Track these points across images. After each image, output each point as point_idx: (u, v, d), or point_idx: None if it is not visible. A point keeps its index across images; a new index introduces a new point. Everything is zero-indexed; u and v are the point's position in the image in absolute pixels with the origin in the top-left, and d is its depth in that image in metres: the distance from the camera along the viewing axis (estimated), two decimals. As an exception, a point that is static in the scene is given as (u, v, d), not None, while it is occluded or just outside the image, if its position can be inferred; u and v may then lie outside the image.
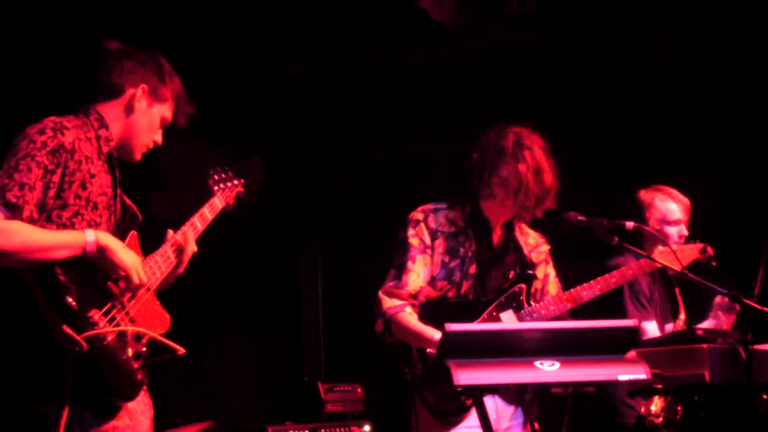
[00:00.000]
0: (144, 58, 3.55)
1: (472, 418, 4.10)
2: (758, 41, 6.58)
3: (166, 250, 3.57)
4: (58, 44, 5.49)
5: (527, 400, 4.28)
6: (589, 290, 4.33)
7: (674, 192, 5.28)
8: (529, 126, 4.32)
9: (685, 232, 5.22)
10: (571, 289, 4.33)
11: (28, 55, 5.51)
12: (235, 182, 4.04)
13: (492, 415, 4.08)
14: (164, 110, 3.58)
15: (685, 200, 5.27)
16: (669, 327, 5.19)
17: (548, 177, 4.22)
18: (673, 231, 5.18)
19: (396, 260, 4.30)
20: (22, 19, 5.45)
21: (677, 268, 4.37)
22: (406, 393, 4.20)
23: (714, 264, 4.75)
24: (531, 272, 4.33)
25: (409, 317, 4.18)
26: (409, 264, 4.25)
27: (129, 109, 3.50)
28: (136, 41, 3.60)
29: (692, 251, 4.77)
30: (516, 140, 4.24)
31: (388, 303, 4.21)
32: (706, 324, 4.96)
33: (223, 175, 4.01)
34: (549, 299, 4.31)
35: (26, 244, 3.13)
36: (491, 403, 4.11)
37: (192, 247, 3.62)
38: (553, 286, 4.43)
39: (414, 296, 4.23)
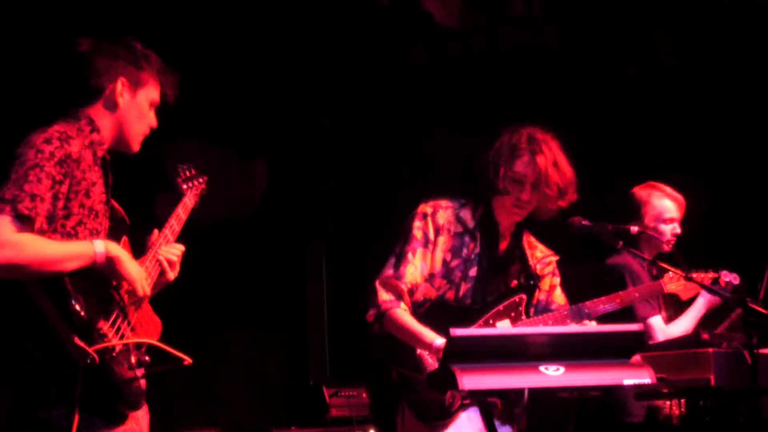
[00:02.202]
0: (115, 50, 3.49)
1: (458, 426, 4.09)
2: (762, 41, 6.58)
3: (155, 255, 3.54)
4: (49, 50, 5.47)
5: (516, 414, 4.24)
6: (592, 307, 4.31)
7: (669, 189, 5.29)
8: (542, 126, 4.33)
9: (678, 230, 5.22)
10: (572, 306, 4.30)
11: (24, 60, 5.51)
12: (200, 180, 3.97)
13: (479, 425, 4.05)
14: (150, 93, 3.53)
15: (680, 198, 5.28)
16: None
17: (566, 168, 4.21)
18: (667, 229, 5.19)
19: (397, 249, 4.27)
20: (15, 22, 5.45)
21: (683, 296, 4.39)
22: (393, 394, 4.19)
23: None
24: (533, 283, 4.29)
25: (404, 314, 4.13)
26: (409, 255, 4.21)
27: (113, 106, 3.46)
28: (104, 34, 3.55)
29: (704, 280, 4.72)
30: (529, 137, 4.23)
31: (384, 296, 4.17)
32: (698, 303, 5.00)
33: (188, 173, 3.94)
34: (549, 315, 4.26)
35: (39, 257, 3.12)
36: (477, 416, 4.03)
37: (171, 255, 3.56)
38: (559, 298, 4.39)
39: (411, 291, 4.19)
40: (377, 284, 4.22)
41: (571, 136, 4.37)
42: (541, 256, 4.40)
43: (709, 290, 4.57)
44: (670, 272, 4.60)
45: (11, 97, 5.42)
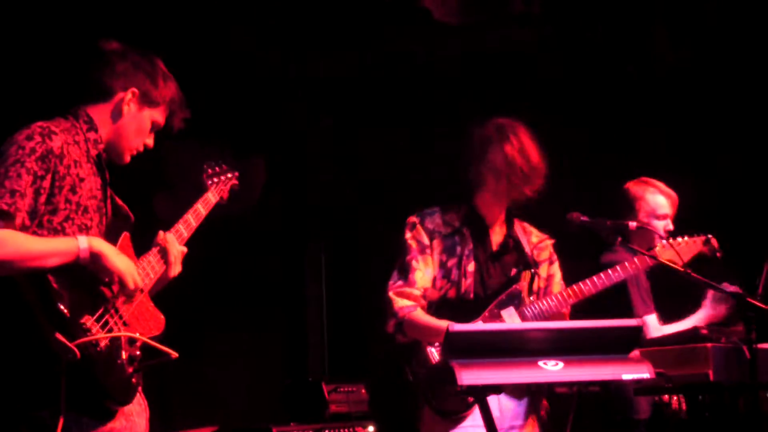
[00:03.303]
0: (138, 61, 3.51)
1: (476, 417, 4.11)
2: (760, 38, 6.58)
3: (159, 251, 3.54)
4: (54, 44, 5.48)
5: (535, 394, 4.28)
6: (591, 285, 4.34)
7: (663, 186, 5.30)
8: (514, 117, 4.37)
9: (671, 227, 5.24)
10: (573, 285, 4.35)
11: (22, 54, 5.51)
12: (229, 175, 4.00)
13: (495, 413, 4.09)
14: (155, 114, 3.53)
15: (674, 194, 5.30)
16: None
17: (534, 155, 4.26)
18: (659, 225, 5.20)
19: (398, 261, 4.34)
20: (19, 18, 5.45)
21: (679, 263, 4.39)
22: (409, 393, 4.21)
23: (719, 255, 4.74)
24: (533, 270, 4.34)
25: (422, 315, 4.22)
26: (414, 263, 4.29)
27: (118, 113, 3.46)
28: (134, 43, 3.56)
29: (696, 244, 4.75)
30: (497, 126, 4.31)
31: (399, 303, 4.24)
32: (699, 315, 4.98)
33: (216, 169, 3.96)
34: (550, 296, 4.31)
35: (20, 253, 3.12)
36: (494, 401, 4.09)
37: (176, 250, 3.56)
38: (557, 287, 4.42)
39: (424, 295, 4.27)
40: (390, 295, 4.28)
41: (570, 133, 4.38)
42: (536, 240, 4.45)
43: (709, 285, 4.53)
44: (664, 242, 4.64)
45: (20, 90, 5.43)
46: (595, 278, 4.37)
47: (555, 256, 4.46)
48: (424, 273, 4.28)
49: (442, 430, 4.15)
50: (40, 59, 5.52)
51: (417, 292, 4.25)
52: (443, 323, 4.06)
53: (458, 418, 4.14)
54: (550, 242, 4.46)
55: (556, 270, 4.45)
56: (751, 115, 6.85)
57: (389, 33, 6.58)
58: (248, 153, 6.93)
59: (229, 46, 6.42)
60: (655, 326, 4.97)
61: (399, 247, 4.36)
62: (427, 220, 4.35)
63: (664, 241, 4.67)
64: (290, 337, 7.84)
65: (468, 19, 6.28)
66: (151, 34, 3.88)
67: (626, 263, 4.49)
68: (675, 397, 4.63)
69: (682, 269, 4.27)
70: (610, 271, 4.40)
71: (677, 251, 4.58)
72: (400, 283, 4.28)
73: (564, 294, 4.31)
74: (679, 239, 4.76)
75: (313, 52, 6.71)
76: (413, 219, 4.38)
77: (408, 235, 4.34)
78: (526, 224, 4.48)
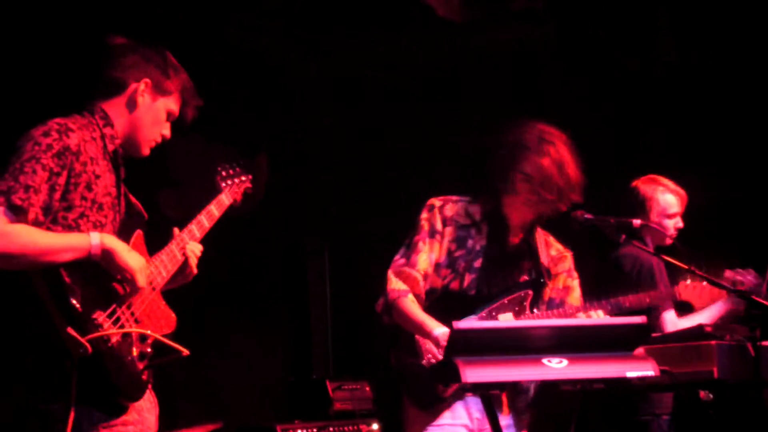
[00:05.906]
0: (147, 53, 3.53)
1: (456, 414, 4.08)
2: (763, 37, 6.58)
3: (173, 249, 3.56)
4: (60, 42, 5.50)
5: (520, 409, 4.24)
6: (600, 308, 4.30)
7: (672, 184, 5.30)
8: (553, 123, 4.27)
9: (681, 224, 5.25)
10: (580, 305, 4.28)
11: (33, 54, 5.53)
12: (243, 178, 4.02)
13: (476, 415, 4.08)
14: (169, 104, 3.55)
15: (682, 192, 5.31)
16: None
17: (572, 170, 4.15)
18: (670, 223, 5.22)
19: (407, 240, 4.29)
20: (26, 19, 5.46)
21: (697, 305, 4.43)
22: (392, 381, 4.21)
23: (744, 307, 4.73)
24: (542, 280, 4.26)
25: (411, 304, 4.14)
26: (420, 245, 4.23)
27: (132, 104, 3.48)
28: (140, 36, 3.58)
29: (719, 294, 4.74)
30: (539, 135, 4.18)
31: (393, 284, 4.18)
32: (705, 313, 4.99)
33: (230, 171, 3.99)
34: (554, 311, 4.23)
35: (31, 247, 3.14)
36: (477, 404, 4.05)
37: (189, 251, 3.58)
38: (575, 302, 4.33)
39: (425, 277, 4.20)
40: (390, 273, 4.23)
41: (573, 130, 4.36)
42: (555, 254, 4.37)
43: (721, 286, 4.53)
44: (688, 280, 4.63)
45: (32, 91, 5.43)
46: (605, 303, 4.32)
47: (575, 273, 4.37)
48: (428, 256, 4.21)
49: (422, 422, 4.11)
50: (54, 57, 5.52)
51: (417, 275, 4.18)
52: (428, 320, 4.02)
53: (435, 410, 4.09)
54: (568, 254, 4.37)
55: (576, 286, 4.34)
56: (755, 114, 6.85)
57: (391, 31, 6.58)
58: (252, 151, 6.94)
59: (230, 44, 6.42)
60: (672, 321, 4.98)
61: (413, 225, 4.30)
62: (447, 206, 4.28)
63: (689, 281, 4.64)
64: (294, 335, 7.85)
65: (470, 16, 6.28)
66: (154, 32, 3.88)
67: (642, 294, 4.50)
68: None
69: (688, 269, 4.28)
70: (622, 299, 4.37)
71: (698, 294, 4.60)
72: (402, 261, 4.23)
73: (569, 313, 4.21)
74: (704, 283, 4.66)
75: (315, 50, 6.71)
76: (434, 201, 4.31)
77: (424, 215, 4.28)
78: (551, 238, 4.39)
